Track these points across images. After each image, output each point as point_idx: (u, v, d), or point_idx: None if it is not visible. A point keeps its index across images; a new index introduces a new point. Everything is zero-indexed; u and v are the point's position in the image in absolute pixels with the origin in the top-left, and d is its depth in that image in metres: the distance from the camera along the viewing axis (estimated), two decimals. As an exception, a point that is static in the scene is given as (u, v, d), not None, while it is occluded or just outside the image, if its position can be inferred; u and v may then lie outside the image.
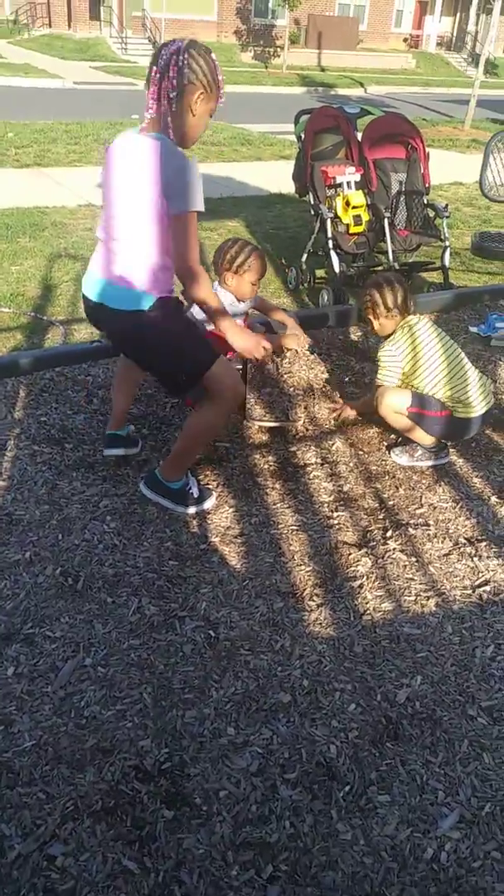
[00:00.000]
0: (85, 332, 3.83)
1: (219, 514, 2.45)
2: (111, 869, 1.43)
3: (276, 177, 7.42)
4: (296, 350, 3.04)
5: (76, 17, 27.45)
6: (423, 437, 2.74)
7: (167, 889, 1.40)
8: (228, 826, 1.51)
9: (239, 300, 2.95)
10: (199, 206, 2.08)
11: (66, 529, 2.32)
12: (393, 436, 2.94)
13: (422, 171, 4.58)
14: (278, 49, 26.21)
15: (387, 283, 2.76)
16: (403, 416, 2.70)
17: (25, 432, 2.81)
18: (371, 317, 2.79)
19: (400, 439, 2.89)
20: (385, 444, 2.92)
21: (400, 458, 2.80)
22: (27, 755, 1.63)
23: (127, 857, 1.45)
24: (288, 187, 5.18)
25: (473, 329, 4.07)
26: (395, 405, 2.68)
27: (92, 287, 2.28)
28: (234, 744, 1.67)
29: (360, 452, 2.86)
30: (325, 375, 3.08)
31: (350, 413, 3.06)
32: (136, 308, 2.18)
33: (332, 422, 3.05)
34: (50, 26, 27.50)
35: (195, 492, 2.47)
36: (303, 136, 4.54)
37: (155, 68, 2.06)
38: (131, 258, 2.18)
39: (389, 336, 2.77)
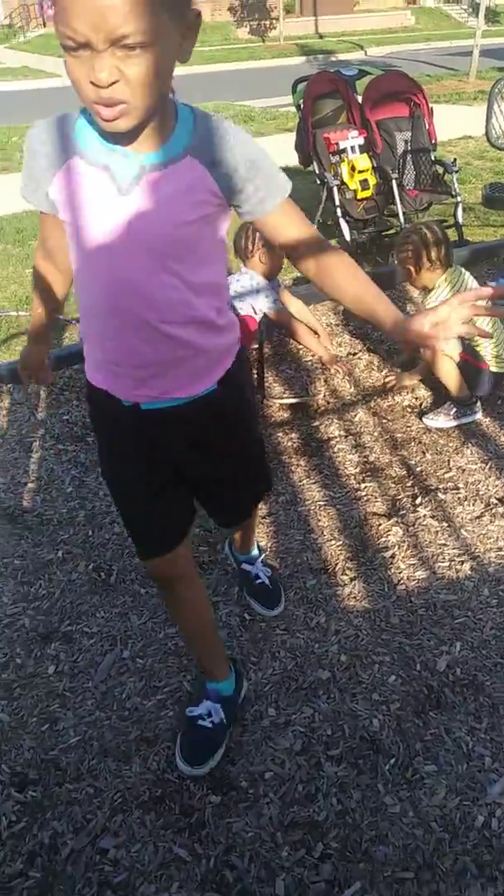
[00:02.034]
0: (100, 328, 3.83)
1: (245, 496, 2.43)
2: (163, 858, 1.44)
3: (280, 151, 7.26)
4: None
5: (69, 12, 27.26)
6: (461, 389, 2.67)
7: (219, 874, 1.40)
8: (276, 807, 1.50)
9: (267, 277, 2.93)
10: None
11: (96, 525, 2.33)
12: (420, 401, 2.88)
13: (427, 127, 4.45)
14: (274, 21, 25.73)
15: (430, 232, 2.65)
16: (453, 367, 2.64)
17: (49, 432, 2.82)
18: (410, 267, 2.68)
19: (430, 404, 2.83)
20: (410, 410, 2.87)
21: (435, 420, 2.72)
22: (73, 751, 1.64)
23: (177, 845, 1.45)
24: (293, 160, 5.08)
25: (493, 284, 3.96)
26: (448, 349, 2.61)
27: None
28: (276, 724, 1.66)
29: (384, 421, 2.80)
30: (344, 345, 3.03)
31: (409, 381, 2.96)
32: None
33: (387, 391, 2.96)
34: (44, 26, 27.41)
35: None
36: (301, 104, 4.44)
37: None
38: None
39: (430, 290, 2.68)
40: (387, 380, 2.93)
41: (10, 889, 1.40)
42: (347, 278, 1.25)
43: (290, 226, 1.23)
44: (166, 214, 1.10)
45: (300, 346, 3.21)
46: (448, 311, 1.11)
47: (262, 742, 1.63)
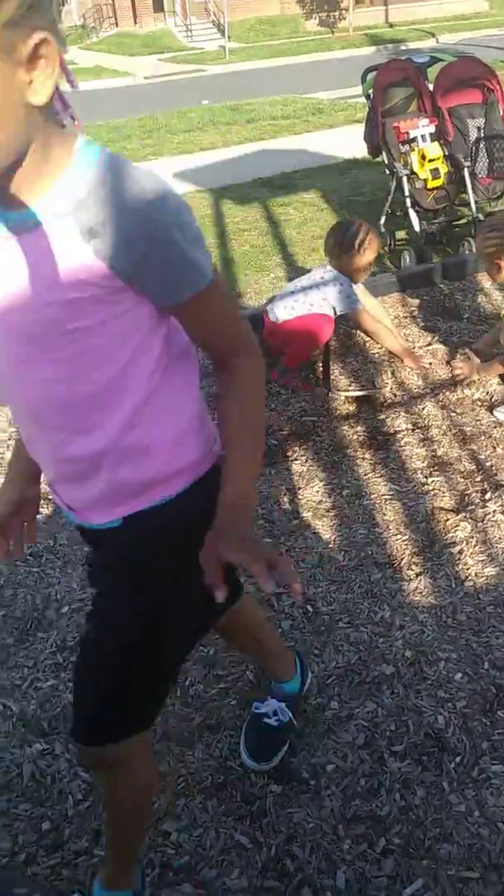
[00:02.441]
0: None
1: (310, 488, 2.42)
2: (224, 843, 1.45)
3: (349, 142, 7.22)
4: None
5: (141, 12, 27.73)
6: None
7: (280, 863, 1.40)
8: (338, 800, 1.49)
9: (353, 279, 2.95)
10: None
11: (162, 515, 2.37)
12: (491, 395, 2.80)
13: (501, 113, 4.31)
14: (343, 12, 25.47)
15: None
16: None
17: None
18: (498, 261, 2.61)
19: (501, 398, 2.75)
20: (480, 404, 2.79)
21: None
22: (137, 734, 1.67)
23: (239, 832, 1.46)
24: (362, 151, 5.03)
25: None
26: None
27: None
28: (339, 717, 1.65)
29: (453, 414, 2.74)
30: (412, 338, 2.98)
31: (478, 375, 2.88)
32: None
33: (456, 384, 2.91)
34: (117, 25, 27.94)
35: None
36: (371, 93, 4.38)
37: None
38: None
39: None
40: (455, 373, 2.87)
41: (76, 865, 1.44)
42: (232, 417, 1.00)
43: (202, 326, 0.97)
44: (30, 289, 0.86)
45: (367, 339, 3.18)
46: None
47: (325, 735, 1.62)
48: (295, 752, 1.59)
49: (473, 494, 2.30)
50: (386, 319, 3.16)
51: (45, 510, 2.39)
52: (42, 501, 2.42)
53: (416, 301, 3.64)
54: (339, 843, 1.42)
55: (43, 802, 1.55)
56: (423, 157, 4.12)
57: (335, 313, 2.95)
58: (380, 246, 2.96)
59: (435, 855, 1.38)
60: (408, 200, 4.13)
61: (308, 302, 2.94)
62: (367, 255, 2.91)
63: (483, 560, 2.04)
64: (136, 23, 27.87)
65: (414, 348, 3.15)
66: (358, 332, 3.19)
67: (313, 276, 3.05)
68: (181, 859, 1.43)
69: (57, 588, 2.09)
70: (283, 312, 2.99)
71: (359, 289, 3.04)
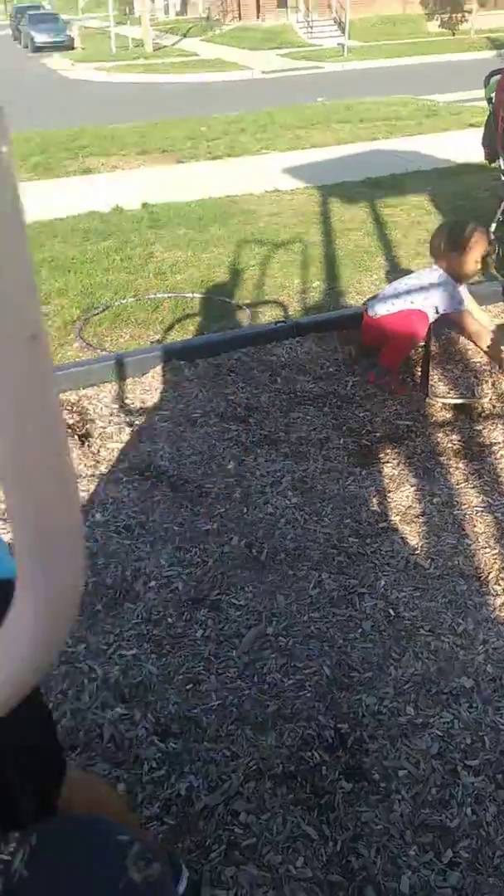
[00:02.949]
0: (269, 314, 3.92)
1: (399, 492, 2.41)
2: (291, 831, 1.47)
3: (462, 146, 7.07)
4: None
5: (264, 6, 27.89)
6: None
7: (345, 858, 1.41)
8: (408, 805, 1.49)
9: (458, 280, 2.92)
10: None
11: (251, 503, 2.40)
12: None
13: None
14: (466, 14, 24.83)
15: None
16: None
17: (214, 410, 2.94)
18: None
19: None
20: None
21: None
22: (214, 713, 1.72)
23: (306, 822, 1.48)
24: (476, 156, 4.91)
25: None
26: None
27: None
28: (414, 724, 1.65)
29: None
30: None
31: None
32: None
33: None
34: (240, 19, 28.21)
35: None
36: (493, 97, 4.26)
37: None
38: None
39: None
40: None
41: (146, 830, 1.50)
42: None
43: None
44: None
45: (469, 346, 3.12)
46: None
47: (398, 739, 1.62)
48: (367, 752, 1.60)
49: None
50: (489, 324, 3.09)
51: (141, 487, 2.47)
52: (137, 478, 2.51)
53: (525, 313, 3.54)
54: (406, 849, 1.42)
55: (120, 765, 1.61)
56: (545, 166, 3.98)
57: (437, 313, 2.91)
58: (487, 247, 2.88)
59: (503, 874, 1.36)
60: (524, 209, 4.01)
61: (409, 300, 2.92)
62: (473, 254, 2.85)
63: None
64: (258, 17, 28.05)
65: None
66: (461, 338, 3.13)
67: (419, 275, 3.03)
68: (247, 840, 1.46)
69: (146, 563, 2.16)
70: (382, 308, 2.98)
71: (463, 290, 2.99)
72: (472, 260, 2.88)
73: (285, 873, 1.40)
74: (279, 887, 1.38)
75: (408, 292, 2.96)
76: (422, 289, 2.93)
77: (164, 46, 24.40)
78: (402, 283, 3.03)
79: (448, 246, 2.89)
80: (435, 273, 2.94)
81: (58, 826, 0.96)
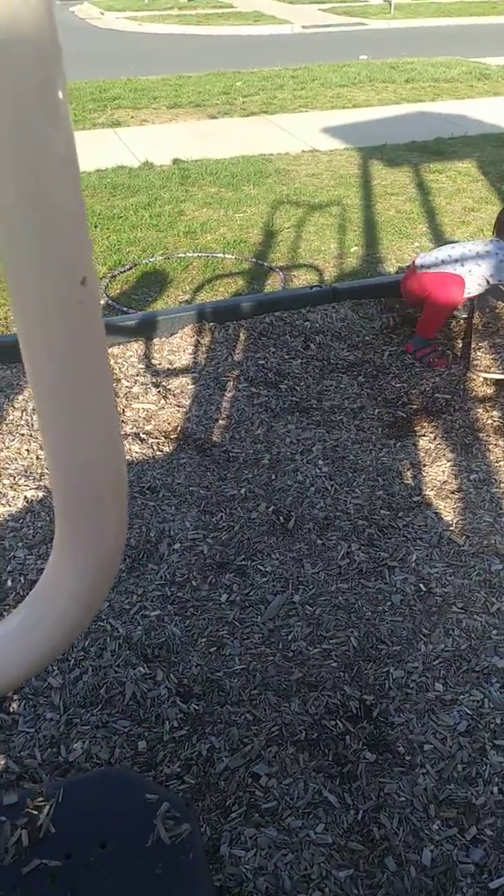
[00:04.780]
0: (304, 278, 3.83)
1: (435, 467, 2.36)
2: (312, 797, 1.46)
3: (513, 113, 6.83)
4: None
5: (307, -41, 26.95)
6: None
7: (366, 828, 1.41)
8: (432, 780, 1.47)
9: None
10: None
11: (280, 470, 2.37)
12: None
13: None
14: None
15: None
16: None
17: (244, 374, 2.89)
18: None
19: None
20: None
21: None
22: (237, 677, 1.71)
23: (328, 790, 1.47)
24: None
25: None
26: None
27: None
28: (442, 700, 1.62)
29: None
30: None
31: None
32: None
33: None
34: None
35: None
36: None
37: None
38: None
39: None
40: None
41: (167, 788, 1.50)
42: None
43: None
44: None
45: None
46: None
47: (426, 714, 1.60)
48: (393, 725, 1.58)
49: None
50: None
51: (167, 448, 2.45)
52: (163, 440, 2.48)
53: None
54: (429, 823, 1.41)
55: (141, 723, 1.61)
56: None
57: (488, 283, 2.82)
58: None
59: (528, 856, 1.35)
60: None
61: (459, 262, 2.83)
62: None
63: None
64: (301, -31, 27.13)
65: None
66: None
67: (475, 243, 2.93)
68: (268, 803, 1.46)
69: (171, 525, 2.14)
70: (429, 260, 2.90)
71: None
72: None
73: (305, 838, 1.40)
74: (298, 851, 1.38)
75: (461, 258, 2.86)
76: (476, 256, 2.84)
77: (202, -3, 23.75)
78: (458, 248, 2.94)
79: None
80: (493, 244, 2.85)
81: (85, 780, 0.95)
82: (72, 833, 0.79)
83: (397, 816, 1.42)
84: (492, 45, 12.25)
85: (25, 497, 2.24)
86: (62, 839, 0.78)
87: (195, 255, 4.15)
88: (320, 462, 2.39)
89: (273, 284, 3.86)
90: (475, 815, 1.41)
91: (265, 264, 4.07)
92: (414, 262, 2.98)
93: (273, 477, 2.34)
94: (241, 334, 3.17)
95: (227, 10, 20.30)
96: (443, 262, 2.87)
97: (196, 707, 1.65)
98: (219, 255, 4.16)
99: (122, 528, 0.50)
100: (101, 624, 1.84)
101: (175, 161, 5.91)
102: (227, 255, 4.17)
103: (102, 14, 21.34)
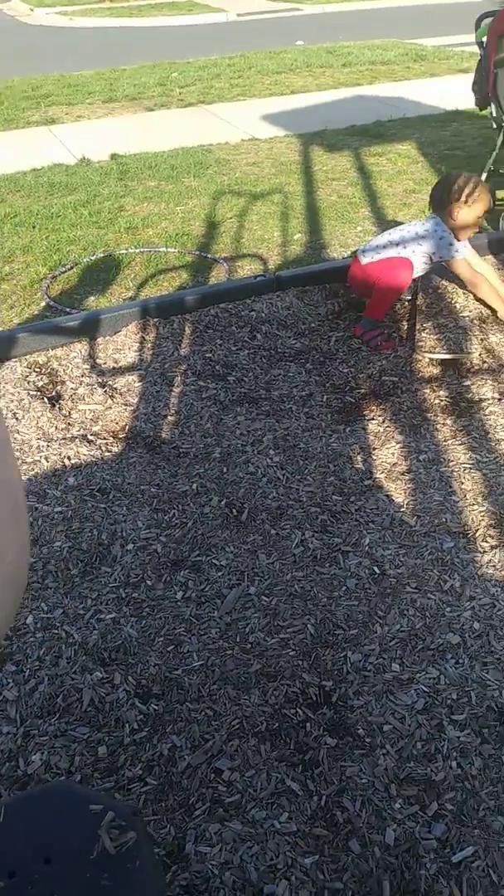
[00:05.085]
0: (248, 268, 3.82)
1: (385, 449, 2.37)
2: (275, 787, 1.46)
3: (452, 93, 6.87)
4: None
5: None
6: None
7: (329, 812, 1.41)
8: (392, 760, 1.49)
9: (458, 238, 2.85)
10: None
11: (231, 463, 2.36)
12: None
13: None
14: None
15: None
16: None
17: (191, 368, 2.87)
18: None
19: None
20: None
21: None
22: (196, 674, 1.70)
23: (290, 778, 1.47)
24: (466, 103, 4.77)
25: None
26: None
27: None
28: (400, 680, 1.64)
29: (541, 386, 2.62)
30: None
31: None
32: None
33: None
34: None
35: None
36: (485, 41, 4.11)
37: None
38: None
39: None
40: None
41: (129, 791, 1.49)
42: None
43: None
44: None
45: (458, 300, 3.06)
46: None
47: (384, 695, 1.61)
48: (352, 708, 1.59)
49: None
50: (493, 276, 3.00)
51: (115, 448, 2.42)
52: (111, 440, 2.45)
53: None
54: (391, 802, 1.42)
55: (100, 728, 1.59)
56: (534, 111, 3.87)
57: (431, 262, 2.84)
58: (489, 199, 2.81)
59: (488, 826, 1.36)
60: (512, 157, 3.91)
61: (400, 248, 2.85)
62: (475, 209, 2.79)
63: None
64: (234, -43, 26.93)
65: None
66: (449, 292, 3.07)
67: (413, 224, 2.96)
68: (231, 797, 1.45)
69: (123, 525, 2.12)
70: (371, 255, 2.92)
71: (465, 245, 2.93)
72: (474, 214, 2.81)
73: (269, 828, 1.40)
74: (263, 842, 1.38)
75: (401, 240, 2.88)
76: (416, 237, 2.86)
77: (135, -12, 23.41)
78: (396, 232, 2.96)
79: (450, 197, 2.81)
80: (430, 222, 2.87)
81: (27, 797, 0.93)
82: (15, 851, 0.77)
83: (360, 799, 1.43)
84: (427, 25, 12.33)
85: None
86: (5, 858, 0.76)
87: (137, 250, 4.10)
88: (271, 452, 2.39)
89: (218, 276, 3.83)
90: (436, 791, 1.43)
91: (209, 256, 4.04)
92: (356, 257, 2.99)
93: (224, 470, 2.33)
94: (186, 328, 3.14)
95: (159, 1, 20.07)
96: (384, 247, 2.88)
97: (156, 707, 1.64)
98: (161, 249, 4.11)
99: (25, 548, 0.48)
100: (56, 632, 1.81)
101: (113, 156, 5.83)
102: (169, 250, 4.13)
103: (32, 10, 20.86)
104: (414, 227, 2.92)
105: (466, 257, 2.89)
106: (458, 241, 2.87)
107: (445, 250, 2.83)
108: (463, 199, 2.77)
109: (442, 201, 2.86)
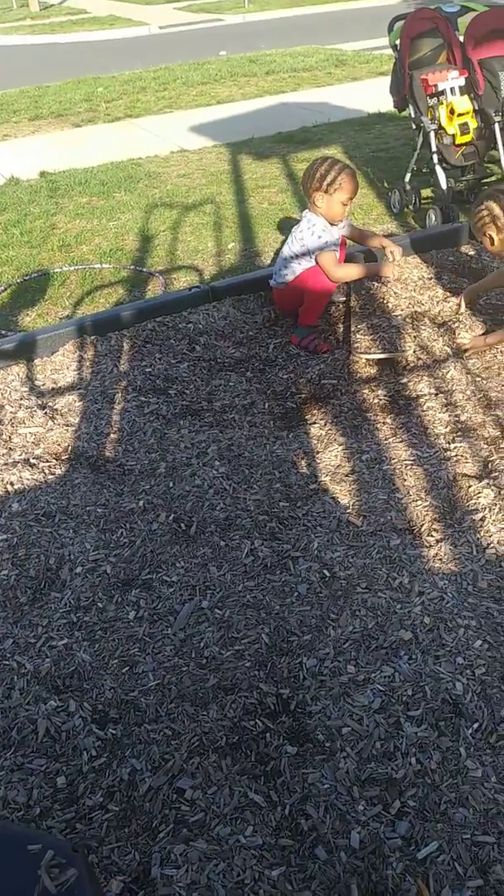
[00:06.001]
0: (184, 280, 3.81)
1: (328, 452, 2.39)
2: (238, 801, 1.45)
3: (374, 96, 7.00)
4: (397, 277, 2.93)
5: (157, -41, 26.81)
6: None
7: (294, 822, 1.41)
8: (353, 762, 1.49)
9: (330, 223, 2.89)
10: None
11: (177, 477, 2.34)
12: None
13: (534, 65, 4.14)
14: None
15: None
16: None
17: (132, 384, 2.84)
18: (490, 233, 2.59)
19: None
20: None
21: None
22: (152, 694, 1.68)
23: (253, 791, 1.46)
24: (388, 105, 4.86)
25: None
26: None
27: None
28: (355, 681, 1.64)
29: (479, 379, 2.68)
30: (436, 301, 2.91)
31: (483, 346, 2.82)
32: None
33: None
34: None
35: None
36: (398, 43, 4.21)
37: None
38: None
39: None
40: (463, 347, 2.80)
41: (90, 820, 1.45)
42: None
43: None
44: None
45: (389, 300, 3.10)
46: None
47: (340, 698, 1.61)
48: (311, 714, 1.59)
49: (498, 461, 2.25)
50: (393, 246, 3.04)
51: (59, 470, 2.38)
52: (54, 462, 2.41)
53: (441, 262, 3.54)
54: (354, 805, 1.42)
55: (58, 758, 1.56)
56: (452, 112, 3.98)
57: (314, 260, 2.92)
58: (353, 186, 2.86)
59: (450, 819, 1.38)
60: (434, 157, 4.01)
61: (298, 262, 2.92)
62: (337, 196, 2.83)
63: (504, 527, 2.01)
64: (153, -30, 26.96)
65: (437, 310, 3.07)
66: (381, 293, 3.11)
67: (294, 230, 3.02)
68: (195, 816, 1.44)
69: (70, 549, 2.08)
70: (281, 277, 2.99)
71: (345, 222, 3.01)
72: (338, 201, 2.85)
73: (235, 844, 1.38)
74: (229, 858, 1.36)
75: (294, 256, 2.94)
76: (302, 246, 2.92)
77: (51, 5, 23.21)
78: (286, 248, 3.01)
79: (314, 185, 2.87)
80: (304, 220, 2.93)
81: (-38, 840, 0.90)
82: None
83: (323, 804, 1.43)
84: (345, 31, 12.56)
85: None
86: None
87: (72, 268, 4.06)
88: (216, 463, 2.38)
89: (154, 290, 3.82)
90: (397, 789, 1.43)
91: (144, 270, 4.03)
92: (270, 286, 3.05)
93: (171, 485, 2.32)
94: (124, 344, 3.12)
95: (81, 16, 19.94)
96: (287, 270, 2.94)
97: (113, 731, 1.61)
98: (96, 265, 4.08)
99: None
100: (7, 663, 1.77)
101: (42, 174, 5.77)
102: (104, 266, 4.10)
103: (-49, 29, 20.46)
104: (295, 233, 2.97)
105: (332, 248, 2.93)
106: (333, 226, 2.92)
107: (315, 244, 2.87)
108: (324, 187, 2.82)
109: (306, 190, 2.92)
